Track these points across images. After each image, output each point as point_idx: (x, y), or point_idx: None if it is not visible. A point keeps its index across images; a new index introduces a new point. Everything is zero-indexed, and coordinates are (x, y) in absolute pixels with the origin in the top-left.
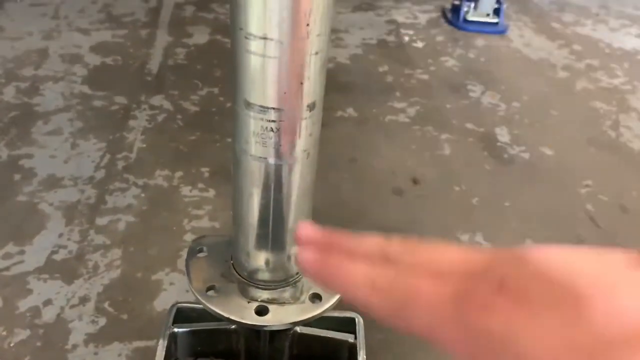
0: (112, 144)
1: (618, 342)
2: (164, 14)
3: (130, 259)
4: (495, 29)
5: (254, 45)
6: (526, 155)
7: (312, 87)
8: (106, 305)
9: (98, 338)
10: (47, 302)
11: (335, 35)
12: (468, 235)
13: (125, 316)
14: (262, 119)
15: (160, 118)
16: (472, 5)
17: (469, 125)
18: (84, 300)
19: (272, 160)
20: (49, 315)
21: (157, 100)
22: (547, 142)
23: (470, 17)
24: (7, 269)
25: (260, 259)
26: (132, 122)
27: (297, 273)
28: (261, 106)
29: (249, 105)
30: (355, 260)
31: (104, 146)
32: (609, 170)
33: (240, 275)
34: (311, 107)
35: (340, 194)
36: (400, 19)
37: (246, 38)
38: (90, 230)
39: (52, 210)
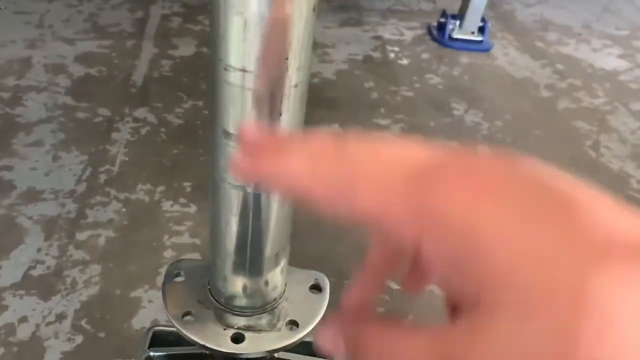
0: (95, 156)
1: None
2: (150, 25)
3: (109, 275)
4: (480, 47)
5: (233, 77)
6: None
7: (291, 118)
8: (83, 322)
9: (74, 357)
10: (23, 319)
11: (321, 50)
12: None
13: (102, 334)
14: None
15: (143, 131)
16: (458, 23)
17: (452, 144)
18: (60, 317)
19: (250, 189)
20: (24, 332)
21: (141, 112)
22: None
23: (455, 35)
24: None
25: (237, 285)
26: (115, 135)
27: (274, 299)
28: (240, 136)
29: (227, 135)
30: (294, 154)
31: (86, 159)
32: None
33: (217, 301)
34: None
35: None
36: (386, 35)
37: (225, 69)
38: (69, 245)
39: (30, 224)
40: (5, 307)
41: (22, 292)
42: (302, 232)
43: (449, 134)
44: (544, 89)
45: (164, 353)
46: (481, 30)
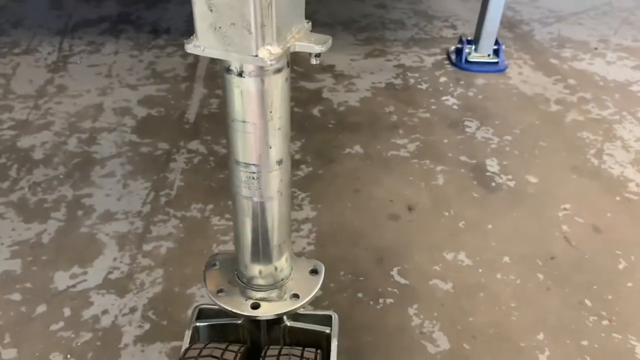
0: (156, 183)
1: None
2: (200, 69)
3: (170, 277)
4: (495, 68)
5: (238, 126)
6: (512, 184)
7: (278, 150)
8: (150, 313)
9: (144, 339)
10: (105, 312)
11: (347, 81)
12: (453, 254)
13: (165, 322)
14: (246, 172)
15: (196, 160)
16: (473, 47)
17: (463, 158)
18: (133, 310)
19: (256, 199)
20: (106, 321)
21: (194, 145)
22: (532, 171)
23: (471, 58)
24: (73, 286)
25: (254, 269)
26: (172, 164)
27: (282, 279)
28: (245, 163)
29: (237, 162)
30: None
31: (150, 185)
32: (588, 194)
33: (241, 281)
34: (279, 162)
35: (343, 220)
36: (407, 62)
37: (233, 121)
38: (138, 254)
39: (107, 239)
40: (92, 303)
41: (104, 291)
42: (326, 235)
43: (460, 150)
44: (554, 103)
45: (207, 323)
46: (496, 52)
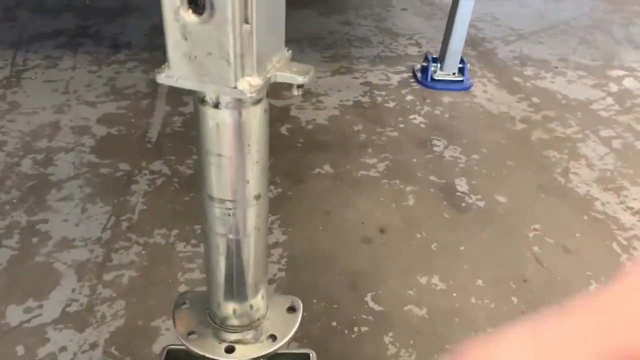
0: (117, 207)
1: None
2: (163, 85)
3: (133, 309)
4: (460, 86)
5: (213, 159)
6: (481, 204)
7: (256, 185)
8: (112, 349)
9: None
10: (63, 349)
11: (315, 98)
12: (426, 277)
13: (128, 358)
14: (221, 208)
15: (159, 182)
16: (438, 65)
17: (432, 178)
18: (93, 345)
19: (231, 236)
20: (64, 359)
21: (157, 165)
22: (501, 190)
23: (437, 77)
24: (28, 321)
25: (228, 309)
26: (134, 187)
27: (258, 319)
28: (220, 199)
29: (212, 198)
30: None
31: (110, 209)
32: (556, 214)
33: (214, 322)
34: (257, 197)
35: (315, 244)
36: (374, 80)
37: (207, 154)
38: (98, 285)
39: (65, 269)
40: (48, 339)
41: (62, 326)
42: (296, 260)
43: (429, 169)
44: (519, 121)
45: None
46: (461, 70)
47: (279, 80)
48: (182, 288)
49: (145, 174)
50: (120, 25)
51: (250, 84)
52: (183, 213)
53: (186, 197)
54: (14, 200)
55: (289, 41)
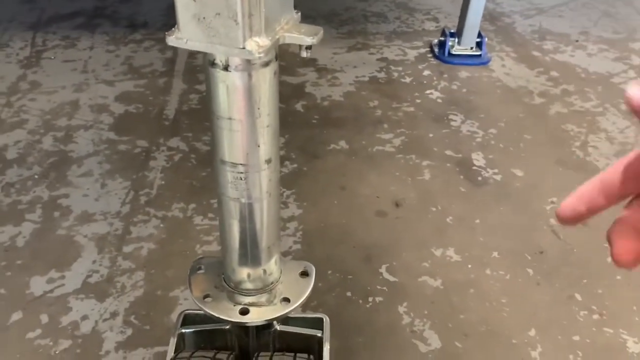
0: (136, 182)
1: None
2: (179, 64)
3: (152, 279)
4: (478, 61)
5: (224, 123)
6: (498, 177)
7: (267, 149)
8: (132, 318)
9: (126, 345)
10: (84, 317)
11: (331, 75)
12: (441, 250)
13: (147, 327)
14: (233, 172)
15: (176, 158)
16: (456, 40)
17: (448, 152)
18: (114, 315)
19: (244, 200)
20: (86, 328)
21: (174, 142)
22: (518, 164)
23: (454, 51)
24: (51, 291)
25: (242, 273)
26: (152, 163)
27: (271, 282)
28: (232, 163)
29: (223, 162)
30: None
31: (129, 185)
32: (574, 187)
33: (228, 286)
34: (268, 161)
35: (329, 217)
36: (390, 56)
37: (218, 118)
38: (118, 257)
39: (86, 241)
40: (70, 309)
41: (83, 296)
42: (312, 233)
43: (445, 144)
44: (538, 96)
45: (193, 330)
46: (479, 45)
47: (287, 41)
48: None
49: (163, 151)
50: (136, 4)
51: (258, 44)
52: (200, 188)
53: (203, 172)
54: (36, 176)
55: (305, 18)
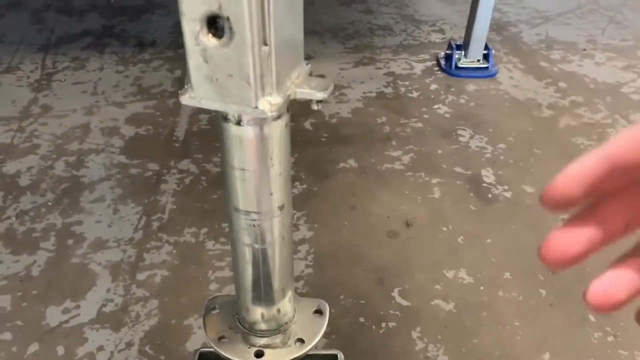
0: (148, 207)
1: None
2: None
3: (166, 308)
4: (485, 74)
5: (237, 173)
6: (508, 194)
7: (279, 196)
8: (147, 348)
9: None
10: (100, 348)
11: (338, 91)
12: (453, 271)
13: (162, 357)
14: (246, 219)
15: (187, 180)
16: (463, 52)
17: (458, 169)
18: (129, 345)
19: (257, 246)
20: (102, 358)
21: (185, 164)
22: (528, 180)
23: (461, 64)
24: (66, 321)
25: (257, 314)
26: (163, 186)
27: (286, 323)
28: (246, 211)
29: (237, 210)
30: None
31: (141, 209)
32: None
33: (243, 327)
34: (281, 208)
35: (341, 239)
36: (397, 70)
37: (231, 168)
38: (132, 284)
39: (100, 269)
40: (86, 339)
41: (98, 326)
42: (323, 255)
43: (455, 160)
44: (546, 108)
45: None
46: (486, 57)
47: (299, 97)
48: (213, 286)
49: (174, 173)
50: (144, 23)
51: (270, 102)
52: (212, 211)
53: (214, 195)
54: (49, 203)
55: (311, 33)
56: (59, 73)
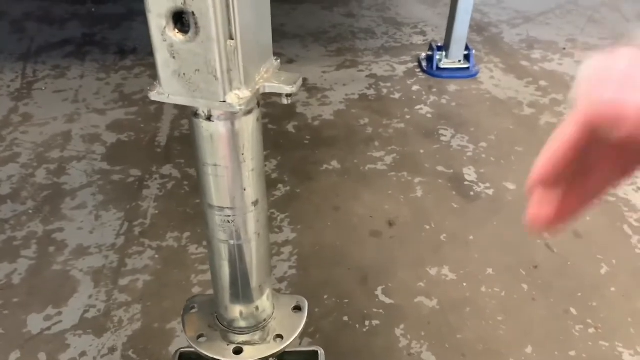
0: (130, 212)
1: None
2: None
3: (148, 312)
4: (466, 74)
5: (210, 169)
6: (490, 192)
7: (253, 191)
8: (130, 353)
9: None
10: (83, 354)
11: (321, 94)
12: (436, 268)
13: None
14: (221, 215)
15: (169, 186)
16: (444, 53)
17: (440, 168)
18: (112, 350)
19: (232, 242)
20: None
21: (167, 169)
22: (510, 177)
23: (442, 65)
24: (48, 328)
25: (235, 311)
26: (145, 192)
27: (264, 320)
28: (219, 207)
29: (211, 206)
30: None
31: (123, 215)
32: None
33: (221, 325)
34: (255, 203)
35: (324, 239)
36: (379, 72)
37: (204, 165)
38: (114, 290)
39: (82, 276)
40: (68, 346)
41: (80, 332)
42: (307, 256)
43: (437, 160)
44: (527, 106)
45: None
46: (467, 57)
47: (268, 90)
48: (196, 289)
49: (156, 179)
50: (125, 30)
51: (239, 96)
52: (194, 215)
53: (196, 199)
54: (30, 211)
55: (293, 37)
56: (40, 82)
